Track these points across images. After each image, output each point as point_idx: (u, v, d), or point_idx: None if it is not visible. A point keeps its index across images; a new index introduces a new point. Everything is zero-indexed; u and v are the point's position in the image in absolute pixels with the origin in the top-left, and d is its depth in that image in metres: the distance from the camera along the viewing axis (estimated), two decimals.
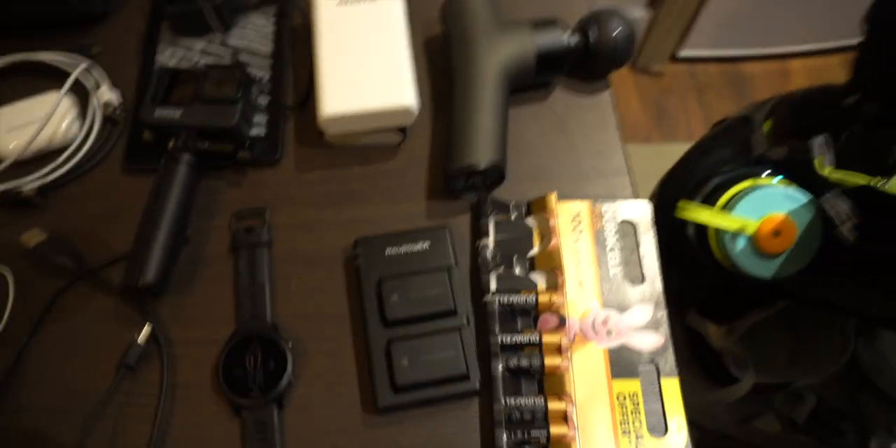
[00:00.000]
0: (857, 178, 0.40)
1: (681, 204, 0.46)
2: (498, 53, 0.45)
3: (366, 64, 0.43)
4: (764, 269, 0.46)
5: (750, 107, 0.66)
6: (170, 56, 0.49)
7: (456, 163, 0.42)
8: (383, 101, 0.42)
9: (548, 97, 0.49)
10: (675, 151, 0.78)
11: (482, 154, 0.42)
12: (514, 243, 0.44)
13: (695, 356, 0.72)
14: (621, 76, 1.49)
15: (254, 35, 0.50)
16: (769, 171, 0.50)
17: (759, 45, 1.49)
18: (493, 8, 0.47)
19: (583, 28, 0.46)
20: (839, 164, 0.42)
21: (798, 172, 0.48)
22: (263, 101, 0.47)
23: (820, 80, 1.56)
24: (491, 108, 0.43)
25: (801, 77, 1.52)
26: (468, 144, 0.42)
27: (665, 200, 0.60)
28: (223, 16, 0.49)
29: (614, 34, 0.46)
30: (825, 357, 0.68)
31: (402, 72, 0.43)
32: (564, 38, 0.46)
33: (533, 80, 0.47)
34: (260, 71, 0.48)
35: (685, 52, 1.47)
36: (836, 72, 1.52)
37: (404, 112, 0.43)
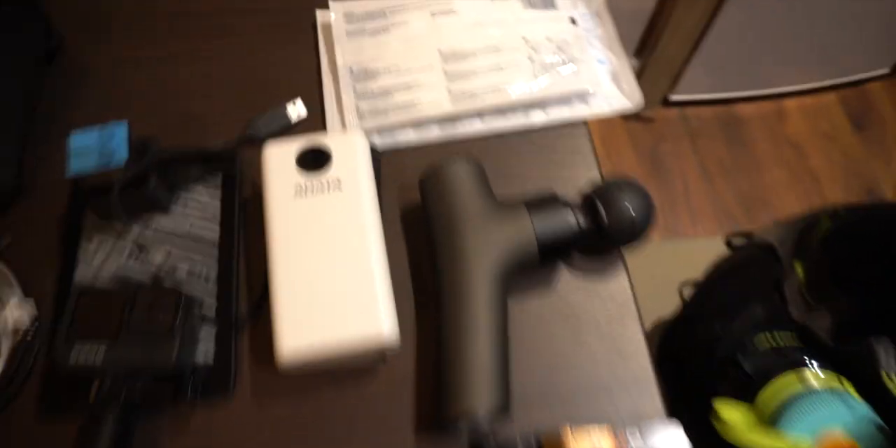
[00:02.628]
0: None
1: (717, 405, 0.39)
2: (489, 249, 0.37)
3: (331, 279, 0.35)
4: None
5: (773, 229, 0.59)
6: (94, 251, 0.40)
7: (449, 407, 0.34)
8: (355, 332, 0.34)
9: (553, 282, 0.41)
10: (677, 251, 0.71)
11: (480, 396, 0.34)
12: None
13: None
14: (612, 124, 1.42)
15: (197, 215, 0.42)
16: (810, 354, 0.43)
17: (752, 86, 1.43)
18: (480, 184, 0.39)
19: (590, 205, 0.39)
20: None
21: (852, 366, 0.40)
22: (210, 305, 0.39)
23: (816, 119, 1.48)
24: (487, 329, 0.35)
25: (796, 116, 1.46)
26: (462, 384, 0.34)
27: (676, 364, 0.53)
28: (154, 200, 0.40)
29: (630, 211, 0.38)
30: None
31: (376, 290, 0.35)
32: (569, 220, 0.38)
33: (534, 269, 0.39)
34: (204, 266, 0.40)
35: (676, 97, 1.41)
36: (832, 110, 1.46)
37: (381, 342, 0.35)
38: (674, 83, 1.36)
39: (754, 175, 1.40)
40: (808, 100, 1.48)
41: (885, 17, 1.21)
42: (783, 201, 1.36)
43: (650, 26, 1.20)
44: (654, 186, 1.36)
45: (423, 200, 0.40)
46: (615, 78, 0.46)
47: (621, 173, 1.33)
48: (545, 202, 0.39)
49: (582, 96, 0.46)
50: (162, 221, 0.42)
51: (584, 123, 0.46)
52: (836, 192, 1.37)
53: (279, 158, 0.39)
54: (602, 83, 0.46)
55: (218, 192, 0.43)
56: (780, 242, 0.56)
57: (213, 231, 0.41)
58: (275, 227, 0.37)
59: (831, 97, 1.47)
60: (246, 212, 0.43)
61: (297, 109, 0.45)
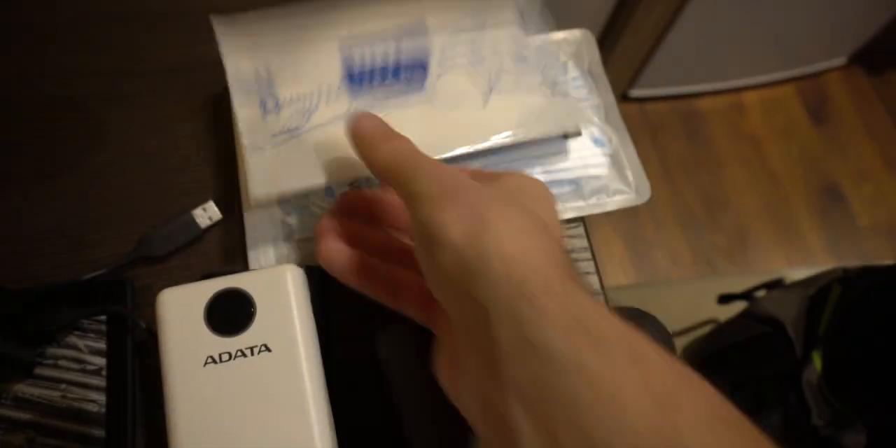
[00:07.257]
0: None
1: None
2: None
3: None
4: None
5: (778, 297, 0.52)
6: None
7: None
8: None
9: None
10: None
11: None
12: None
13: None
14: None
15: (73, 377, 0.31)
16: None
17: (711, 80, 1.37)
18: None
19: None
20: None
21: None
22: None
23: (774, 113, 1.43)
24: None
25: (755, 110, 1.42)
26: None
27: None
28: (6, 363, 0.29)
29: None
30: None
31: None
32: None
33: None
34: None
35: (636, 92, 1.33)
36: (790, 103, 1.42)
37: None
38: (633, 79, 1.28)
39: (715, 172, 1.36)
40: (766, 93, 1.43)
41: (841, 6, 1.16)
42: (744, 200, 1.33)
43: (610, 23, 1.11)
44: None
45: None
46: (616, 162, 0.37)
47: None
48: None
49: (577, 188, 0.36)
50: (22, 389, 0.30)
51: (582, 221, 0.37)
52: (797, 190, 1.34)
53: (180, 314, 0.28)
54: (601, 170, 0.37)
55: (103, 340, 0.32)
56: (788, 318, 0.49)
57: (95, 401, 0.30)
58: (179, 408, 0.26)
59: (789, 89, 1.43)
60: (144, 363, 0.32)
61: (207, 214, 0.34)
